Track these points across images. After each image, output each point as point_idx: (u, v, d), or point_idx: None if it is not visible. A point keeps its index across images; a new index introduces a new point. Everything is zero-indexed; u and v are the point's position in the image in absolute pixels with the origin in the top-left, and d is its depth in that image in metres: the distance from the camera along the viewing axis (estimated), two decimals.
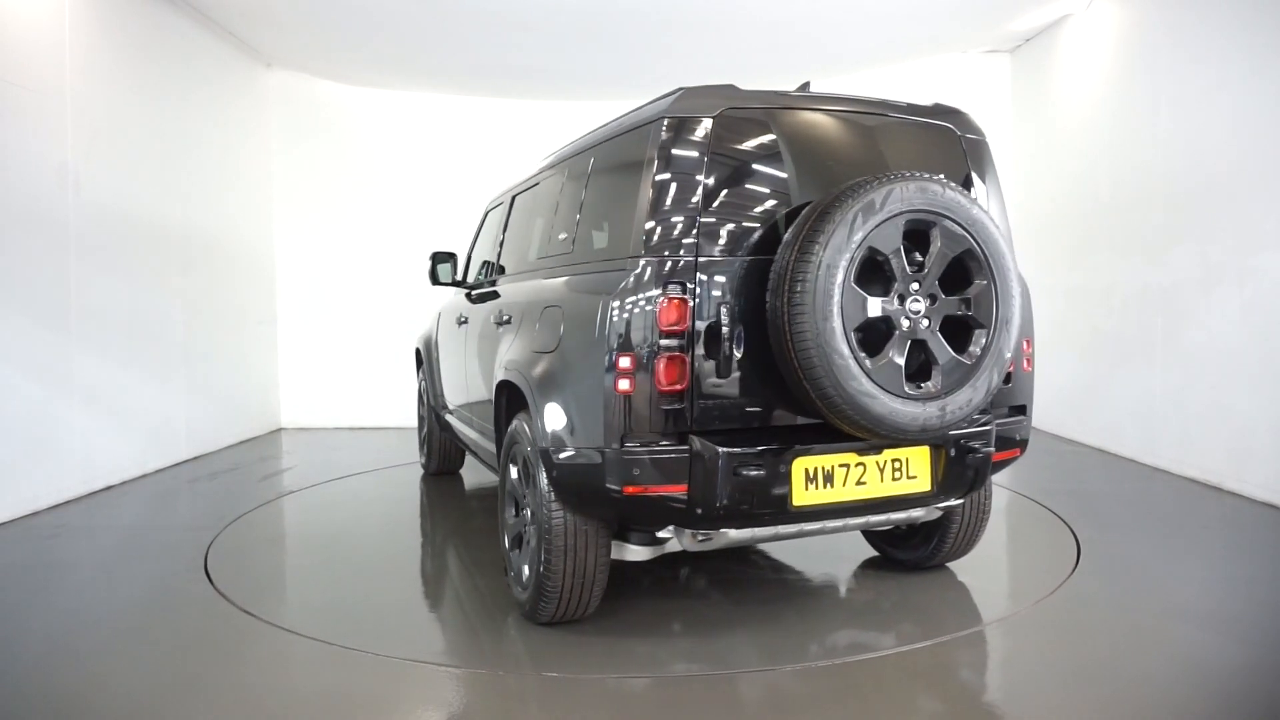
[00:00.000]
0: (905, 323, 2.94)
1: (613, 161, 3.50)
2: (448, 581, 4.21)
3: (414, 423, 8.62)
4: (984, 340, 3.05)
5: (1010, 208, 8.97)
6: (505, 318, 4.07)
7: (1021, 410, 3.59)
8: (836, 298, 2.83)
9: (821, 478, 3.09)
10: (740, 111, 3.21)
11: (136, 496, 5.87)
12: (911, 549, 4.07)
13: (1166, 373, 6.18)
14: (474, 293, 5.05)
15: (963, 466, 3.28)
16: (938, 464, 3.26)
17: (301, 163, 8.86)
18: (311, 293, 8.95)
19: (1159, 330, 6.27)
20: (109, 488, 5.99)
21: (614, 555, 3.38)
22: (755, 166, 3.22)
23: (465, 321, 5.04)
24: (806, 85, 3.59)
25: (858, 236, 2.86)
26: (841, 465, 3.12)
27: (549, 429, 3.25)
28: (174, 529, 5.06)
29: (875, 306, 2.90)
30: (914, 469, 3.23)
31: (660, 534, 3.31)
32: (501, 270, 4.73)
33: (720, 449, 2.92)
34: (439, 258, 5.53)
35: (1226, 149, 5.56)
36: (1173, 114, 6.09)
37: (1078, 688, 2.89)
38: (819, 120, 3.35)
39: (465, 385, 4.97)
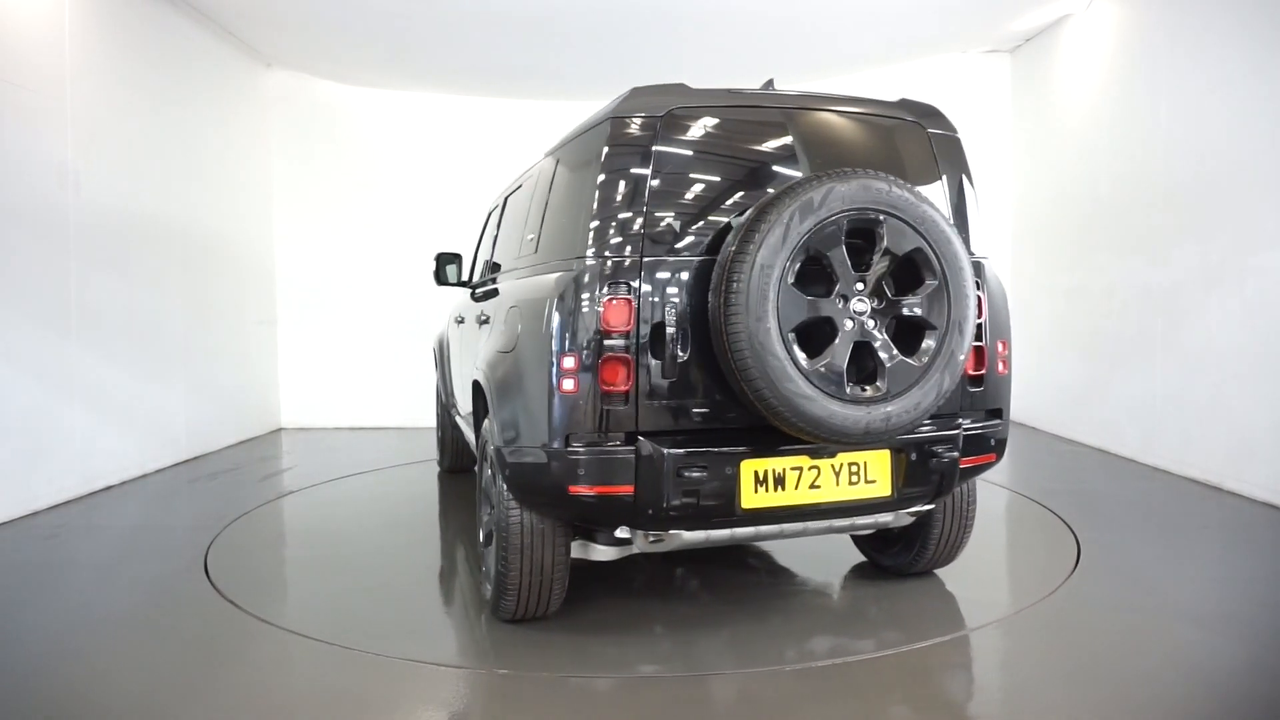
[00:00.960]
0: (849, 324, 2.89)
1: (570, 163, 3.52)
2: (447, 581, 4.20)
3: (414, 423, 8.64)
4: (935, 342, 2.97)
5: (1010, 208, 9.03)
6: (484, 317, 4.10)
7: (997, 414, 3.47)
8: (772, 298, 2.80)
9: (772, 481, 3.05)
10: (688, 111, 3.19)
11: (136, 496, 5.87)
12: (894, 555, 3.98)
13: (1166, 373, 6.18)
14: (475, 292, 5.07)
15: (926, 471, 3.20)
16: (899, 468, 3.17)
17: (301, 163, 8.86)
18: (311, 293, 8.95)
19: (1159, 330, 6.27)
20: (109, 488, 5.99)
21: (579, 555, 3.39)
22: (703, 166, 3.21)
23: (463, 321, 5.07)
24: (770, 83, 3.58)
25: (795, 236, 2.82)
26: (793, 468, 3.07)
27: (502, 428, 3.27)
28: (174, 529, 5.06)
29: (816, 307, 2.86)
30: (873, 473, 3.16)
31: (620, 534, 3.25)
32: (495, 270, 4.76)
33: (665, 450, 2.92)
34: (443, 258, 5.53)
35: (1226, 149, 5.56)
36: (1173, 114, 6.09)
37: (1078, 688, 2.89)
38: (773, 119, 3.32)
39: (460, 384, 5.00)
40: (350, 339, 8.98)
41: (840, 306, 2.89)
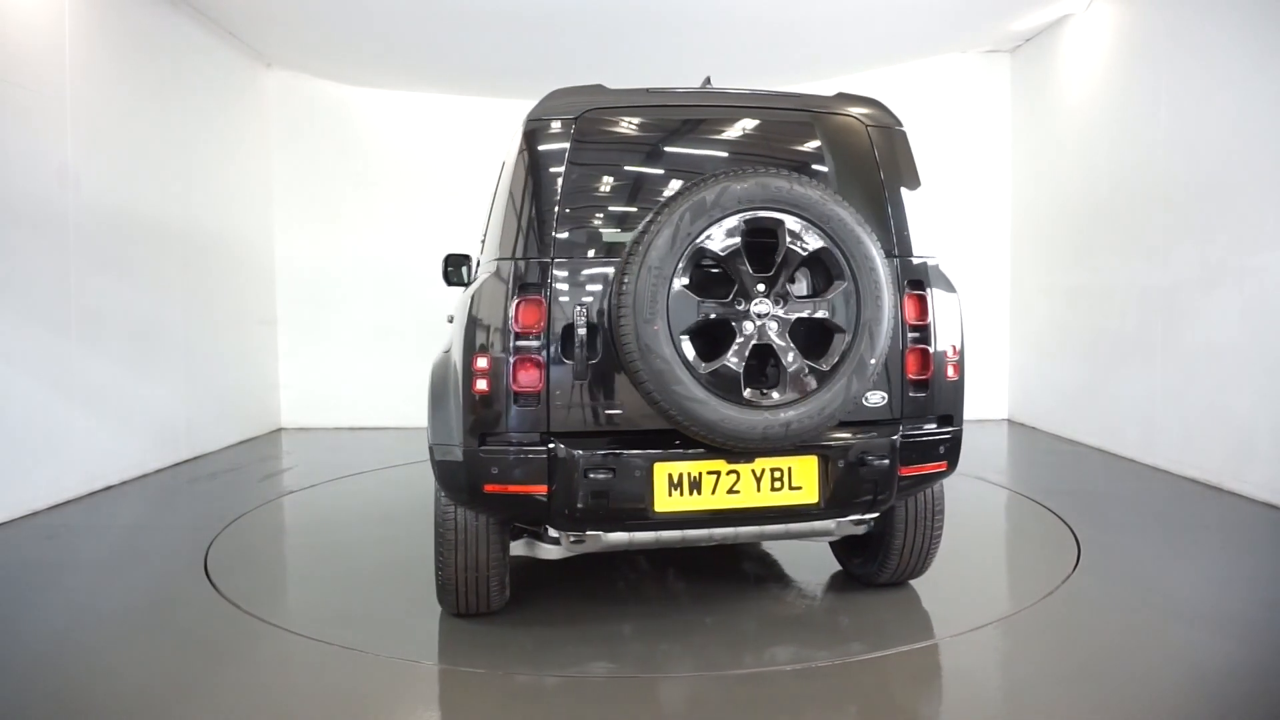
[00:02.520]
0: (749, 327, 2.85)
1: (505, 165, 3.55)
2: None
3: (415, 423, 8.63)
4: (843, 346, 2.90)
5: (1010, 208, 9.03)
6: (450, 317, 4.14)
7: (948, 421, 3.30)
8: (661, 300, 2.78)
9: (687, 484, 3.01)
10: (604, 112, 3.18)
11: (136, 496, 5.87)
12: (860, 565, 3.88)
13: (1166, 373, 6.18)
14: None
15: (856, 479, 3.10)
16: (825, 475, 3.09)
17: (301, 163, 8.86)
18: (311, 293, 8.95)
19: (1159, 330, 6.27)
20: (109, 488, 5.99)
21: (524, 553, 3.40)
22: (617, 167, 3.20)
23: (451, 320, 5.10)
24: (707, 81, 3.56)
25: (685, 237, 2.79)
26: (710, 472, 3.02)
27: (431, 426, 3.31)
28: (174, 529, 5.06)
29: (710, 309, 2.83)
30: (798, 480, 3.07)
31: (553, 534, 3.24)
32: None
33: (573, 451, 2.93)
34: (452, 259, 5.51)
35: (1226, 149, 5.56)
36: (1173, 114, 6.09)
37: (1077, 687, 2.89)
38: (696, 119, 3.30)
39: None
40: (350, 339, 8.98)
41: (740, 309, 2.85)
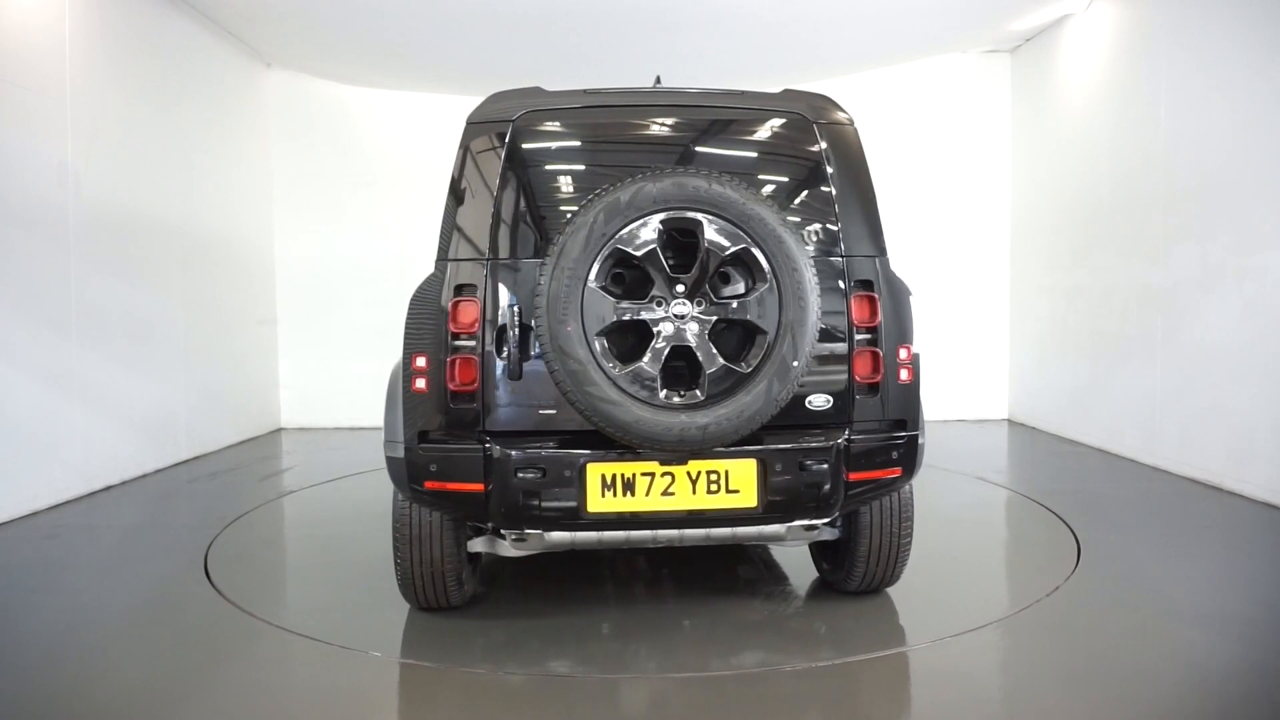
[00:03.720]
0: (669, 327, 2.83)
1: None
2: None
3: None
4: (764, 347, 2.86)
5: (1010, 208, 9.03)
6: None
7: (901, 425, 3.21)
8: (575, 301, 2.78)
9: (620, 485, 3.00)
10: (542, 114, 3.20)
11: (136, 496, 5.87)
12: (831, 571, 3.78)
13: (1166, 373, 6.18)
14: None
15: (796, 484, 3.04)
16: (764, 479, 3.03)
17: (301, 163, 8.86)
18: (311, 293, 8.95)
19: (1159, 330, 6.27)
20: (109, 488, 5.99)
21: (486, 550, 3.42)
22: (554, 169, 3.22)
23: None
24: (658, 80, 3.56)
25: (599, 238, 2.79)
26: (644, 474, 3.00)
27: (385, 424, 3.33)
28: (174, 529, 5.06)
29: (626, 310, 2.83)
30: (735, 483, 3.03)
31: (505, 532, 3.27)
32: None
33: (505, 450, 2.96)
34: None
35: (1226, 149, 5.56)
36: (1172, 114, 6.09)
37: (1078, 688, 2.89)
38: (635, 119, 3.29)
39: None
40: (350, 339, 8.97)
41: (659, 310, 2.84)
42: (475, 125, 3.22)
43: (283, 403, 8.91)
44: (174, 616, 3.68)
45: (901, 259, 9.80)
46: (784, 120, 3.32)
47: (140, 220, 6.47)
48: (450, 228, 3.14)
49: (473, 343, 3.01)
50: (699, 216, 2.82)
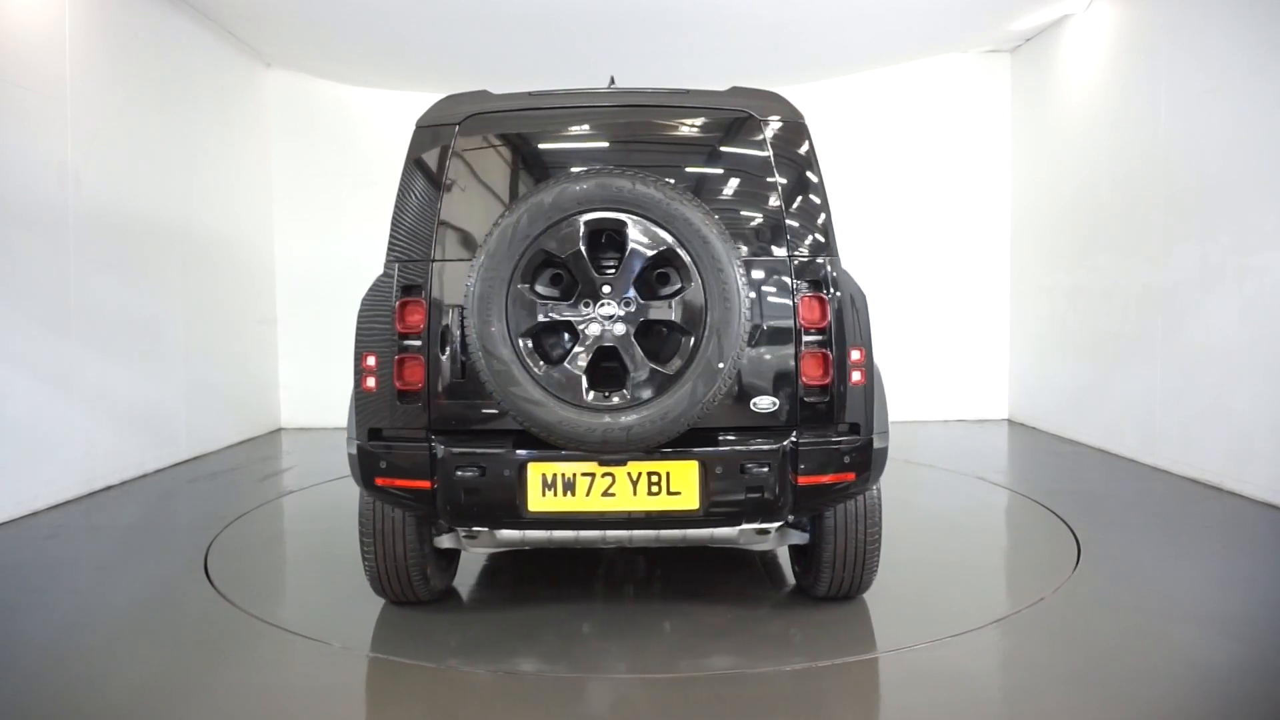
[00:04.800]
0: (595, 328, 2.83)
1: None
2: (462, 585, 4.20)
3: None
4: (690, 348, 2.83)
5: (1010, 208, 9.03)
6: None
7: (854, 429, 3.13)
8: (499, 302, 2.80)
9: (560, 485, 3.02)
10: (487, 117, 3.24)
11: (136, 496, 5.87)
12: (801, 575, 3.74)
13: (1166, 373, 6.18)
14: None
15: (739, 487, 3.01)
16: (705, 482, 3.02)
17: (301, 163, 8.86)
18: (311, 293, 8.94)
19: (1159, 330, 6.27)
20: (109, 488, 5.99)
21: (453, 546, 3.47)
22: (497, 171, 3.24)
23: None
24: (612, 80, 3.56)
25: (522, 239, 2.80)
26: (585, 474, 3.01)
27: (347, 421, 3.38)
28: (174, 529, 5.06)
29: (550, 311, 2.84)
30: (676, 485, 3.02)
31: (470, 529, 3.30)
32: None
33: (448, 448, 3.01)
34: None
35: (1226, 149, 5.56)
36: (1173, 114, 6.09)
37: (1078, 688, 2.89)
38: (578, 120, 3.30)
39: None
40: (350, 339, 8.95)
41: (584, 310, 2.84)
42: (423, 129, 3.29)
43: (283, 403, 8.91)
44: (174, 616, 3.68)
45: (902, 259, 9.85)
46: (730, 119, 3.29)
47: (140, 220, 6.47)
48: (398, 229, 3.21)
49: (419, 342, 3.08)
50: (623, 217, 2.81)
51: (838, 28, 7.32)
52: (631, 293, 2.85)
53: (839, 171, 9.03)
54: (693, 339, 2.83)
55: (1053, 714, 2.74)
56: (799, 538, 3.48)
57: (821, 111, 9.03)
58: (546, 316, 2.84)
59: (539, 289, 2.88)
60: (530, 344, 2.84)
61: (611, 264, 2.86)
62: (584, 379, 2.83)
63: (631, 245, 2.82)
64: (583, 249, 2.81)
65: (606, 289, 2.84)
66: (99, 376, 5.95)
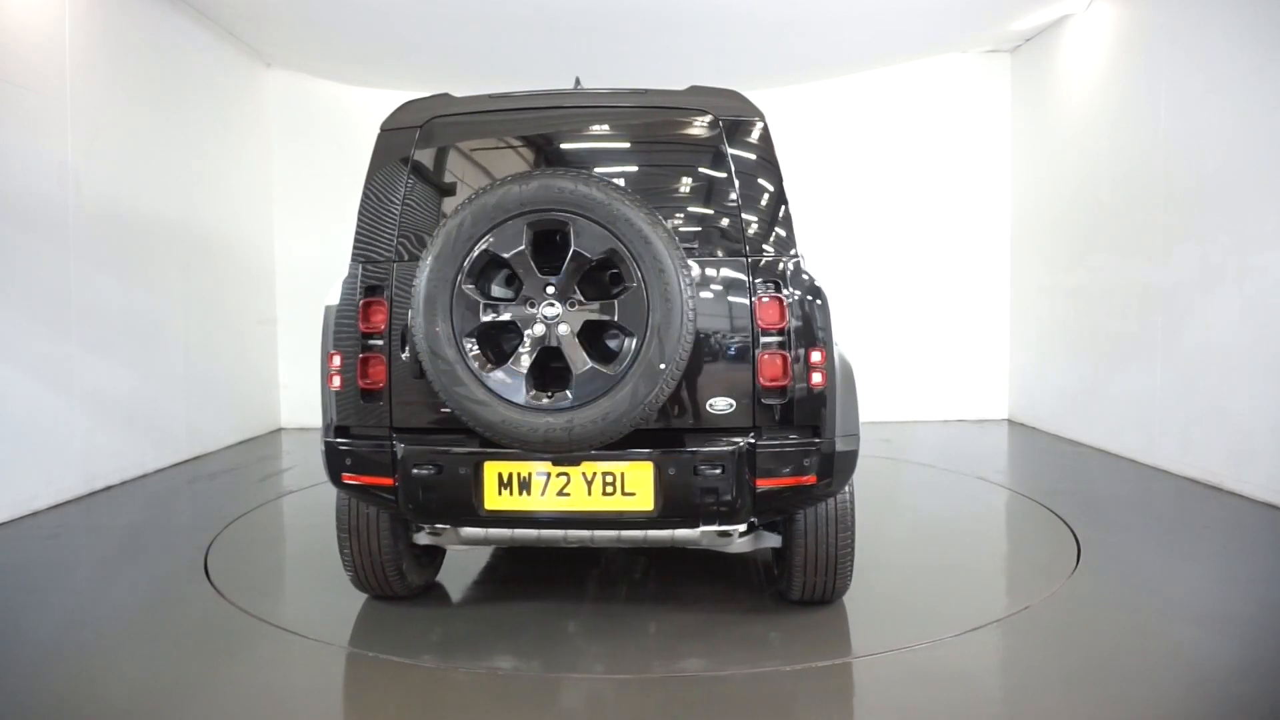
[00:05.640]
0: (540, 329, 2.85)
1: None
2: (447, 581, 4.20)
3: None
4: (631, 350, 2.83)
5: (1010, 208, 9.02)
6: None
7: (815, 432, 3.08)
8: (444, 302, 2.83)
9: (516, 484, 3.05)
10: (448, 120, 3.29)
11: (136, 496, 5.87)
12: (777, 579, 3.71)
13: (1166, 373, 6.18)
14: None
15: (691, 489, 2.99)
16: (660, 483, 3.01)
17: (301, 163, 8.86)
18: (311, 293, 8.90)
19: (1159, 330, 6.27)
20: (109, 488, 5.99)
21: (433, 542, 3.47)
22: (457, 173, 3.27)
23: None
24: (577, 82, 3.57)
25: (466, 240, 2.83)
26: (540, 474, 3.04)
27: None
28: (174, 529, 5.06)
29: (494, 311, 2.86)
30: (631, 486, 3.02)
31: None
32: None
33: (406, 446, 3.06)
34: None
35: (1226, 149, 5.56)
36: (1172, 114, 6.09)
37: (1078, 687, 2.89)
38: (536, 122, 3.32)
39: None
40: None
41: (528, 311, 2.86)
42: (386, 133, 3.34)
43: (283, 403, 8.91)
44: (174, 616, 3.68)
45: (902, 259, 9.84)
46: (688, 118, 3.27)
47: (140, 220, 6.47)
48: (362, 230, 3.28)
49: (381, 342, 3.13)
50: (566, 218, 2.82)
51: (837, 28, 7.32)
52: (576, 294, 2.87)
53: (839, 172, 9.05)
54: (635, 340, 2.83)
55: (1053, 713, 2.74)
56: (774, 540, 3.46)
57: (822, 112, 9.05)
58: (491, 317, 2.87)
59: (485, 290, 2.92)
60: (475, 344, 2.87)
61: (557, 265, 2.87)
62: (528, 379, 2.85)
63: (575, 246, 2.83)
64: (527, 250, 2.84)
65: (551, 289, 2.86)
66: (99, 376, 5.95)
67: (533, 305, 2.86)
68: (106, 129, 6.09)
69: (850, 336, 8.91)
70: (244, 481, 6.37)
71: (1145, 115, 6.41)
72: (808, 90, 9.03)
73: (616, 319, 2.84)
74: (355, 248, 3.28)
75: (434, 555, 3.90)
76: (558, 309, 2.84)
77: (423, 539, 3.49)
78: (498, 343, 2.93)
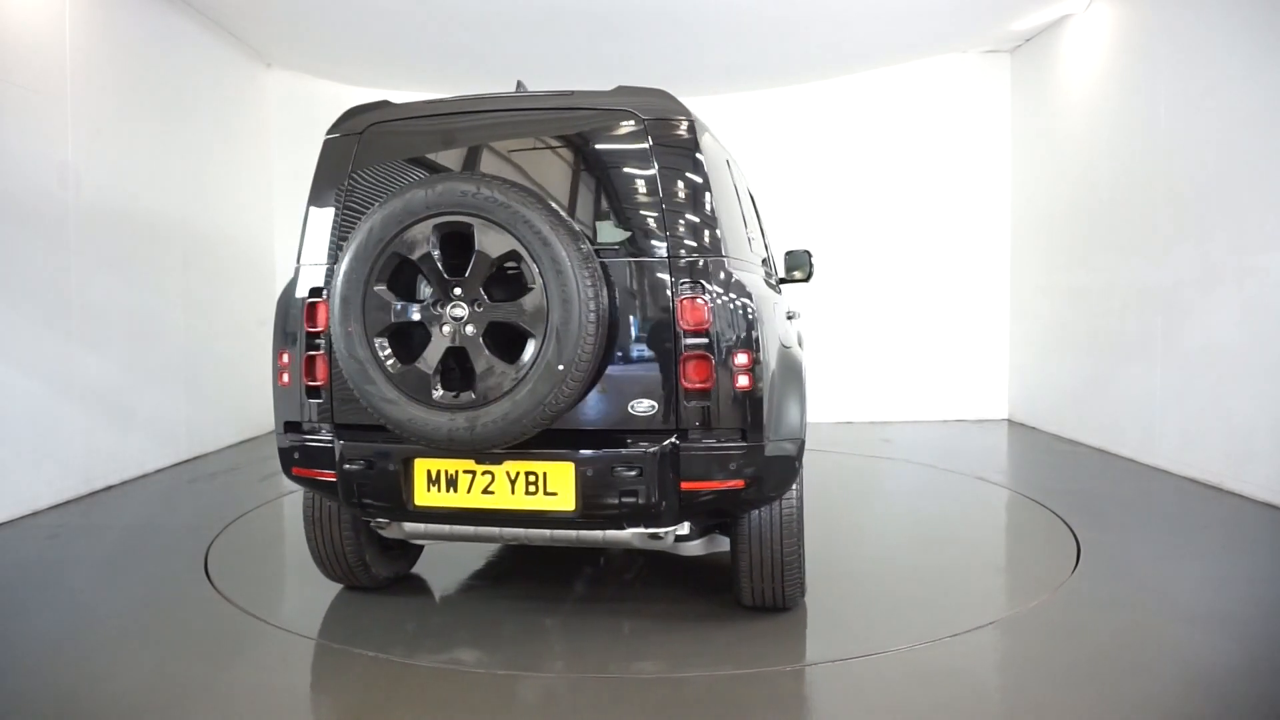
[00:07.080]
0: (446, 329, 2.91)
1: None
2: (443, 579, 4.20)
3: None
4: (533, 350, 2.86)
5: (1010, 208, 9.02)
6: None
7: (742, 435, 3.02)
8: (356, 303, 2.93)
9: (444, 481, 3.11)
10: (387, 126, 3.34)
11: (136, 496, 5.87)
12: (730, 584, 3.61)
13: (1166, 373, 6.18)
14: None
15: (609, 490, 2.98)
16: (580, 483, 3.01)
17: (302, 163, 8.79)
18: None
19: (1159, 330, 6.27)
20: (109, 488, 5.99)
21: (395, 534, 3.48)
22: (395, 178, 3.32)
23: None
24: (520, 85, 3.59)
25: (375, 242, 2.91)
26: (466, 471, 3.09)
27: None
28: (174, 529, 5.05)
29: (403, 312, 2.94)
30: (553, 485, 3.04)
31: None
32: None
33: (342, 441, 3.18)
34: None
35: (1226, 149, 5.56)
36: (1172, 114, 6.09)
37: (1078, 687, 2.89)
38: (468, 127, 3.37)
39: None
40: None
41: (435, 312, 2.92)
42: (329, 139, 3.41)
43: None
44: (174, 616, 3.68)
45: (902, 259, 9.84)
46: (612, 119, 3.25)
47: (140, 220, 6.47)
48: (306, 233, 3.37)
49: (323, 340, 3.23)
50: (469, 220, 2.87)
51: (838, 27, 7.33)
52: (482, 295, 2.91)
53: (839, 172, 9.06)
54: (536, 341, 2.87)
55: (1052, 713, 2.74)
56: (726, 545, 3.45)
57: (822, 111, 9.05)
58: (400, 317, 2.95)
59: (400, 291, 2.98)
60: (385, 343, 2.96)
61: (463, 266, 2.92)
62: (435, 378, 2.92)
63: (478, 248, 2.88)
64: (433, 252, 2.90)
65: (457, 291, 2.92)
66: (99, 376, 5.95)
67: (440, 306, 2.93)
68: (107, 129, 6.09)
69: (850, 336, 8.95)
70: (244, 481, 6.37)
71: (1145, 115, 6.41)
72: (808, 90, 9.04)
73: (519, 320, 2.89)
74: (300, 250, 3.39)
75: (406, 549, 3.97)
76: (464, 310, 2.91)
77: (381, 532, 3.54)
78: (408, 343, 3.00)
